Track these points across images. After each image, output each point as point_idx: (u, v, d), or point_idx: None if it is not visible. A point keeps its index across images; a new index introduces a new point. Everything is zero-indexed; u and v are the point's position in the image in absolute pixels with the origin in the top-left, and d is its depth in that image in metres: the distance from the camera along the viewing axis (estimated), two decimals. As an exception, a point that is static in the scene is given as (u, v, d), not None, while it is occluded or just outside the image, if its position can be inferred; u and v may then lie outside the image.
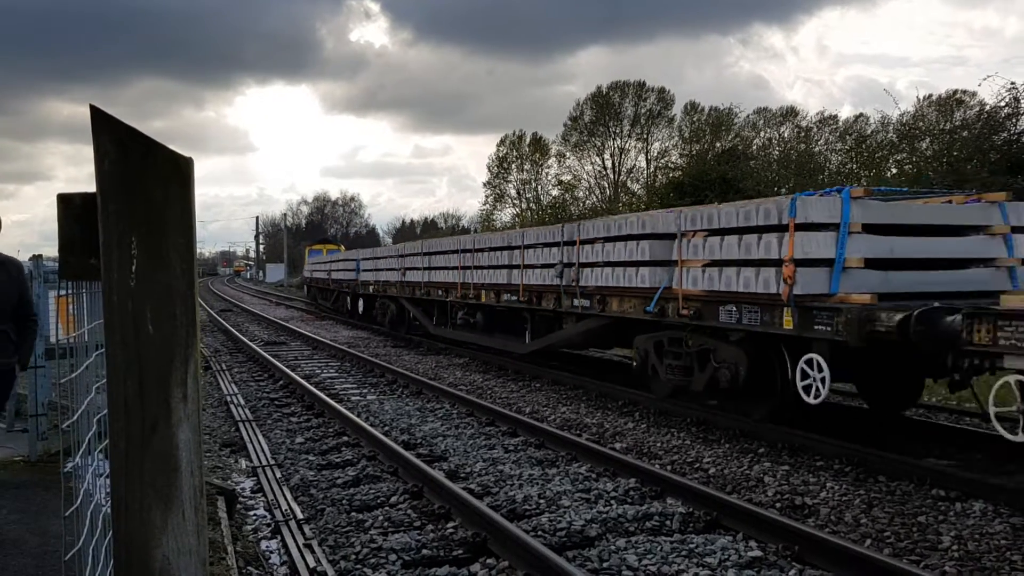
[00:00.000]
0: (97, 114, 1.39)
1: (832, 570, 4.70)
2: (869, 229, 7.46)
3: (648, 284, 9.34)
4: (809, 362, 7.27)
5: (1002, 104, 19.71)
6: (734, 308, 8.07)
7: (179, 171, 1.44)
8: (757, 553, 4.98)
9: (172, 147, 1.46)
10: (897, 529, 5.46)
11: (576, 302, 11.04)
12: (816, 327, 7.10)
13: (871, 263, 7.37)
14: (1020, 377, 5.64)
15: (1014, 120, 19.57)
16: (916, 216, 7.90)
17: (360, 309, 24.60)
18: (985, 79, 28.93)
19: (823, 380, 7.12)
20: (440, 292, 16.59)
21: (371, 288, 22.46)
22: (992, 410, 5.97)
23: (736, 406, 8.69)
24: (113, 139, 1.40)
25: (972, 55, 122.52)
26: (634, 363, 10.57)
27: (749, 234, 7.90)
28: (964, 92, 26.53)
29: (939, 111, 25.26)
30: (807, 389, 7.30)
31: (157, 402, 1.43)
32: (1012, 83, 19.35)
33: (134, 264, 1.41)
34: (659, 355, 9.48)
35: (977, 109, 22.53)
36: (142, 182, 1.41)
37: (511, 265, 13.20)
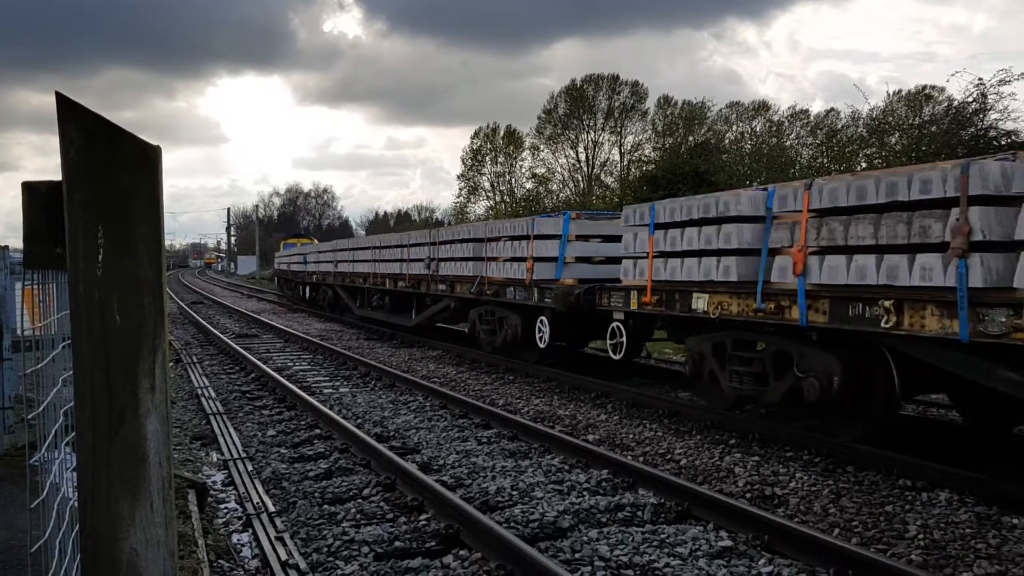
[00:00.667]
0: (63, 101, 1.37)
1: (801, 559, 4.75)
2: (582, 238, 11.84)
3: (472, 273, 13.62)
4: (541, 321, 11.77)
5: (970, 100, 20.03)
6: (513, 289, 12.23)
7: (147, 160, 1.43)
8: (727, 543, 5.03)
9: (142, 137, 1.44)
10: (865, 519, 5.54)
11: (438, 287, 15.19)
12: (545, 300, 11.27)
13: (584, 259, 11.77)
14: (618, 323, 9.77)
15: (981, 116, 19.89)
16: (607, 230, 11.83)
17: (307, 295, 28.76)
18: (953, 75, 29.42)
19: (548, 333, 11.67)
20: (361, 280, 20.72)
21: (315, 277, 26.84)
22: (608, 342, 10.06)
23: (515, 354, 12.79)
24: (79, 127, 1.38)
25: (941, 51, 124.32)
26: (467, 330, 14.92)
27: (517, 240, 12.30)
28: (933, 88, 26.73)
29: (908, 106, 25.49)
30: (540, 339, 11.84)
31: (124, 393, 1.41)
32: (979, 79, 19.68)
33: (101, 253, 1.39)
34: (480, 323, 13.86)
35: (945, 104, 22.78)
36: (109, 170, 1.39)
37: (402, 259, 17.34)
